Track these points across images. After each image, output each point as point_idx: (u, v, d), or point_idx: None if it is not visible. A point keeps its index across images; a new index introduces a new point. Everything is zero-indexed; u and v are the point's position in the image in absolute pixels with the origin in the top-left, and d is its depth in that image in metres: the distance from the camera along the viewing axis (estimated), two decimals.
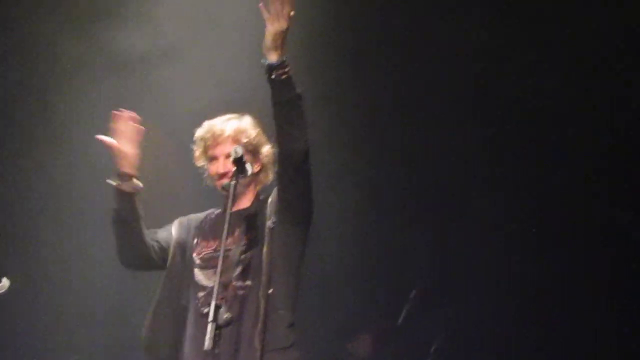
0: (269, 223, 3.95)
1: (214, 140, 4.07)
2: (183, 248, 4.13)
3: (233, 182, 3.84)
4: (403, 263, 6.22)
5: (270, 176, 4.14)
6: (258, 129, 4.12)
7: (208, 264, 4.03)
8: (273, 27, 3.74)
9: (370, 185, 6.08)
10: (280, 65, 3.77)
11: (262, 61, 3.81)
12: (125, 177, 4.06)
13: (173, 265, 4.11)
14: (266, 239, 3.92)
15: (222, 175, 4.01)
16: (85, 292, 6.00)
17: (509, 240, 5.98)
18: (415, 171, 6.08)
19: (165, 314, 4.05)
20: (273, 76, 3.77)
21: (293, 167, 3.89)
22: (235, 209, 3.92)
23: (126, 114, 4.09)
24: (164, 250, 4.15)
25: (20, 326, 6.07)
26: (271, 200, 4.02)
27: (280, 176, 3.95)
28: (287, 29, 3.75)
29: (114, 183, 4.08)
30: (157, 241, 4.15)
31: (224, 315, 3.61)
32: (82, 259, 5.97)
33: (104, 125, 4.11)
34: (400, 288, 6.25)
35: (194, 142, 4.16)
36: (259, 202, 4.11)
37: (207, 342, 3.54)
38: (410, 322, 6.33)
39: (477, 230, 5.99)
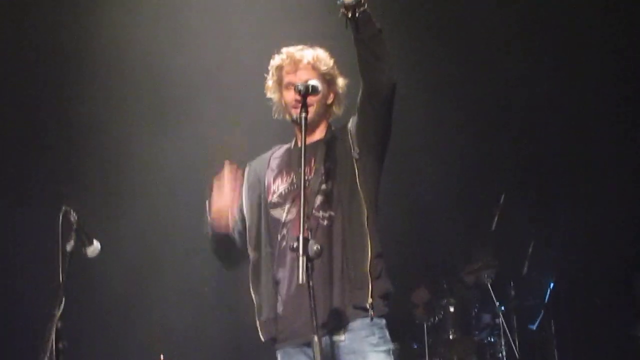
0: (354, 154, 3.91)
1: (294, 66, 3.98)
2: (257, 199, 4.09)
3: (304, 115, 3.72)
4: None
5: (341, 109, 4.09)
6: (333, 59, 4.05)
7: (285, 199, 3.98)
8: None
9: None
10: (359, 2, 3.69)
11: (338, 1, 3.71)
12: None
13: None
14: (356, 169, 3.88)
15: (299, 102, 3.84)
16: None
17: None
18: None
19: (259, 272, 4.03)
20: (356, 14, 3.68)
21: (379, 101, 3.84)
22: (308, 141, 3.83)
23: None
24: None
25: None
26: (351, 132, 3.96)
27: (365, 110, 3.89)
28: None
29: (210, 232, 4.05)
30: (240, 233, 4.10)
31: (314, 246, 3.48)
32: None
33: None
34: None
35: (267, 72, 4.07)
36: (332, 132, 4.05)
37: (301, 276, 3.44)
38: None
39: None
